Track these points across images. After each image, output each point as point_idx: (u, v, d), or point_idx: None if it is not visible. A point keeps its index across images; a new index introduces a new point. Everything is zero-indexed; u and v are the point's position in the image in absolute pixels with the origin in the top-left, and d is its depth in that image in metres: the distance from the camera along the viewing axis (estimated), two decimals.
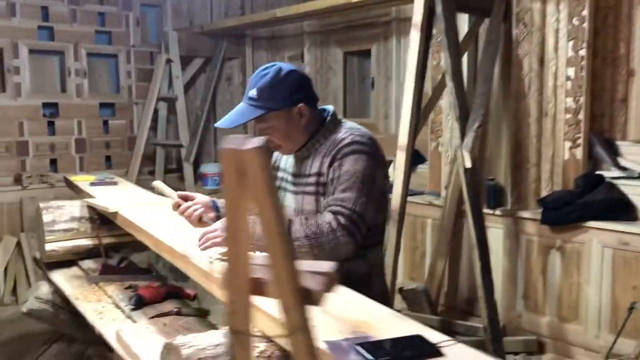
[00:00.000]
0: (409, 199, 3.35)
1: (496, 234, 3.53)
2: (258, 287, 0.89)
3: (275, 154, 1.95)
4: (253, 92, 1.66)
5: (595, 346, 3.17)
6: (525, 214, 3.45)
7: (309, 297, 0.88)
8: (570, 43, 3.26)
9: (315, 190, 1.69)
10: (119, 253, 2.79)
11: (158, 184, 1.76)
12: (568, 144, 3.34)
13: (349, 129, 1.72)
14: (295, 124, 1.70)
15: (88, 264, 2.73)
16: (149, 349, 1.71)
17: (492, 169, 3.67)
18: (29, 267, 4.42)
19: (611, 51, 3.35)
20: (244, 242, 0.86)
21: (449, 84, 3.03)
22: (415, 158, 3.93)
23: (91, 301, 2.32)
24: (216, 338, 1.40)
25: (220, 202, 1.95)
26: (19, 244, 4.48)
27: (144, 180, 5.18)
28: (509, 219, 3.51)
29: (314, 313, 0.91)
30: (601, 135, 3.37)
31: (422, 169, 4.21)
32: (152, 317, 2.08)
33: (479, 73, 3.26)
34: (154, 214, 2.33)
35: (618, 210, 3.10)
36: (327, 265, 0.97)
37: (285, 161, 1.88)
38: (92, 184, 2.96)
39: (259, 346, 1.31)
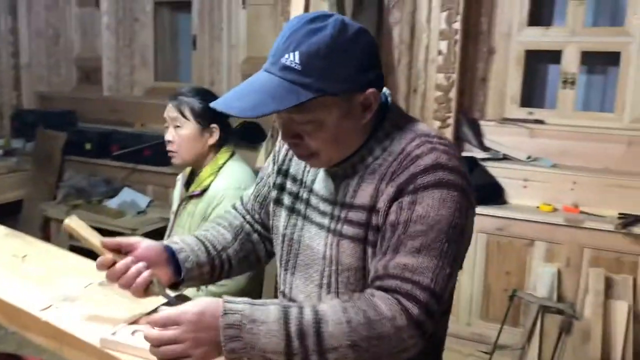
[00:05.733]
0: None
1: None
2: None
3: (280, 148, 1.23)
4: (293, 58, 0.93)
5: (467, 334, 3.08)
6: None
7: None
8: (444, 14, 3.01)
9: (362, 234, 1.02)
10: None
11: (73, 222, 0.91)
12: (437, 124, 3.14)
13: (423, 135, 1.04)
14: (355, 121, 1.02)
15: None
16: None
17: None
18: None
19: (474, 26, 3.20)
20: None
21: None
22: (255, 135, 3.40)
23: None
24: None
25: (178, 245, 1.13)
26: None
27: None
28: None
29: None
30: (465, 114, 3.23)
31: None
32: None
33: None
34: None
35: (492, 195, 3.00)
36: None
37: (304, 168, 1.16)
38: None
39: None
